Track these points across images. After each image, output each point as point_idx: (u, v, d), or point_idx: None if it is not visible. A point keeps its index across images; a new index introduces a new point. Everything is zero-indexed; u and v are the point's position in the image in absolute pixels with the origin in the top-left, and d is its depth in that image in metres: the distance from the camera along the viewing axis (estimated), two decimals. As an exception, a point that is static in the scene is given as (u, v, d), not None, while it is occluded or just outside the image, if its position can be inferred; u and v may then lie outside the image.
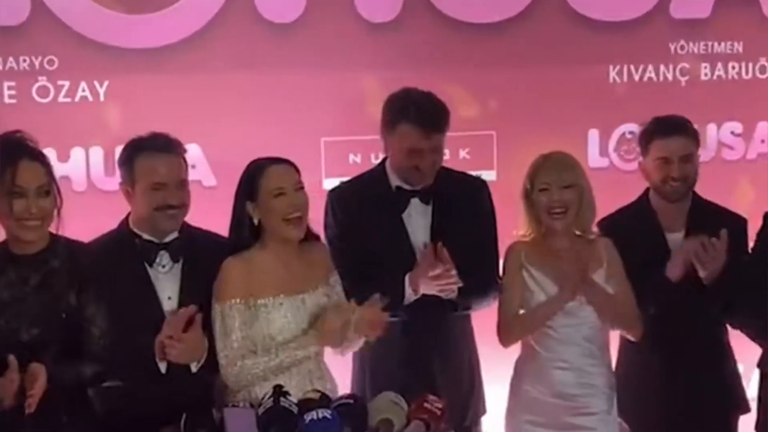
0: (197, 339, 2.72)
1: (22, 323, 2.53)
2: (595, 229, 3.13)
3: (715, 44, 4.21)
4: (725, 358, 3.27)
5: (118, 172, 2.94)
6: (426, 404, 2.45)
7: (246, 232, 2.84)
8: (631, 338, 3.14)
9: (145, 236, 2.85)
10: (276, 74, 3.77)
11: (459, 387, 3.19)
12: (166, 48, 3.68)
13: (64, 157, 3.61)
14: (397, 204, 3.15)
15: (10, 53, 3.54)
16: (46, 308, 2.55)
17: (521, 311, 3.08)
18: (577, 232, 3.09)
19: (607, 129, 4.13)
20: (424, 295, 3.05)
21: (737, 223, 3.28)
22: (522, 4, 4.00)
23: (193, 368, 2.76)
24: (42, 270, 2.57)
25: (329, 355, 2.93)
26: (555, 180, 3.01)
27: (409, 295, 3.03)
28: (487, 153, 4.02)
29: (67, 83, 3.60)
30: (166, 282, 2.84)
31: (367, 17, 3.86)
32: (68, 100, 3.61)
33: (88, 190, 3.62)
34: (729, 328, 3.26)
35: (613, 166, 4.13)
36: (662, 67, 4.17)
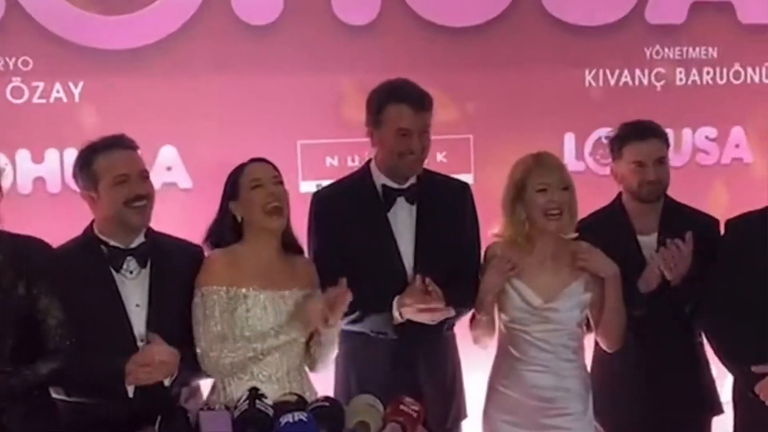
0: (170, 361, 2.70)
1: None
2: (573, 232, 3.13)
3: (690, 50, 4.25)
4: (699, 360, 3.29)
5: (76, 181, 2.92)
6: (402, 406, 2.45)
7: (227, 230, 2.87)
8: (609, 349, 3.14)
9: (112, 242, 2.83)
10: (253, 76, 3.76)
11: (442, 390, 3.18)
12: (141, 49, 3.66)
13: (38, 159, 3.58)
14: (382, 203, 3.13)
15: (-16, 54, 3.51)
16: None
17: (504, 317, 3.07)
18: (561, 235, 3.06)
19: (583, 133, 4.16)
20: None
21: (709, 225, 3.30)
22: (499, 7, 4.02)
23: (166, 383, 2.74)
24: None
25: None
26: (555, 181, 2.99)
27: (396, 318, 3.02)
28: (464, 156, 4.03)
29: (41, 84, 3.57)
30: (134, 289, 2.82)
31: (344, 20, 3.86)
32: (43, 101, 3.58)
33: (62, 192, 3.58)
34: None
35: (588, 170, 4.15)
36: (638, 72, 4.21)
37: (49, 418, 2.68)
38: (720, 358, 3.13)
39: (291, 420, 2.36)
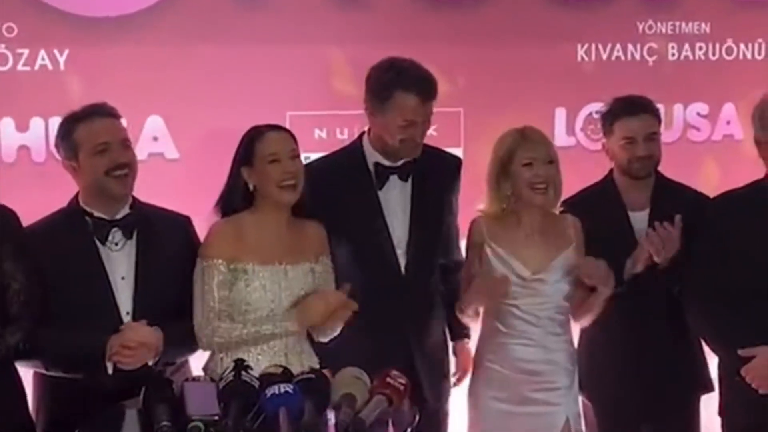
0: (152, 343, 2.68)
1: None
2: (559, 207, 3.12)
3: (683, 24, 4.22)
4: (689, 338, 3.27)
5: (58, 151, 2.89)
6: (389, 379, 2.43)
7: (238, 198, 2.84)
8: (580, 324, 3.14)
9: (96, 213, 2.79)
10: (241, 47, 3.71)
11: (434, 366, 3.18)
12: (128, 17, 3.61)
13: (23, 127, 3.54)
14: (374, 181, 3.10)
15: (-32, 20, 3.46)
16: None
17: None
18: (547, 209, 3.07)
19: (574, 108, 4.14)
20: (412, 279, 3.08)
21: (700, 202, 3.28)
22: (491, -19, 3.99)
23: (150, 362, 2.72)
24: None
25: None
26: (541, 155, 2.99)
27: None
28: (454, 130, 4.00)
29: (26, 51, 3.51)
30: (120, 261, 2.79)
31: (333, -10, 3.82)
32: (27, 68, 3.53)
33: (47, 160, 3.54)
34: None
35: (579, 145, 4.13)
36: (630, 47, 4.18)
37: (13, 393, 2.67)
38: (704, 341, 3.14)
39: (276, 392, 2.34)
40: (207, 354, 2.86)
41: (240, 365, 2.44)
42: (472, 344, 3.27)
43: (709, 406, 3.29)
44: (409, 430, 2.47)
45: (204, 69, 3.68)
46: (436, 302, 3.23)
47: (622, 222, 3.23)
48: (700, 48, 4.24)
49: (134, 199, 2.87)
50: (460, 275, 3.14)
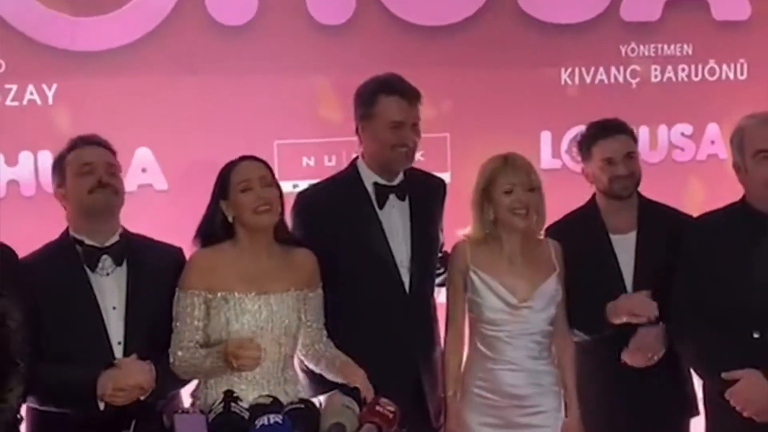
0: (145, 382, 2.68)
1: None
2: (541, 232, 3.15)
3: (665, 47, 4.26)
4: (676, 359, 3.27)
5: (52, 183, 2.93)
6: (378, 407, 2.45)
7: (217, 229, 2.85)
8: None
9: (87, 241, 2.81)
10: (228, 77, 3.75)
11: (436, 383, 3.19)
12: (116, 50, 3.64)
13: (12, 162, 3.56)
14: (373, 201, 3.12)
15: (-44, 56, 3.49)
16: None
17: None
18: (531, 234, 3.10)
19: (559, 131, 4.16)
20: (416, 297, 3.11)
21: (685, 223, 3.29)
22: (474, 6, 4.02)
23: (142, 397, 2.71)
24: None
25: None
26: (522, 181, 3.02)
27: None
28: (441, 155, 4.03)
29: (14, 87, 3.54)
30: (110, 290, 2.80)
31: (319, 19, 3.84)
32: (16, 103, 3.55)
33: (36, 195, 3.56)
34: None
35: (565, 168, 4.16)
36: (613, 69, 4.21)
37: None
38: (688, 364, 3.14)
39: (266, 422, 2.35)
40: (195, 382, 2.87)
41: (229, 396, 2.46)
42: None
43: (698, 430, 3.30)
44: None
45: (191, 100, 3.71)
46: (435, 320, 3.24)
47: (603, 245, 3.24)
48: (683, 69, 4.28)
49: (124, 229, 2.89)
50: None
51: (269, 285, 2.82)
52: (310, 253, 2.94)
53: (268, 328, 2.79)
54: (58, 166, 2.86)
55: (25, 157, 3.57)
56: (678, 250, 3.11)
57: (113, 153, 2.92)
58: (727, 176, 3.24)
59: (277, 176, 3.71)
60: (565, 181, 3.98)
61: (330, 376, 2.87)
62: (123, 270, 2.83)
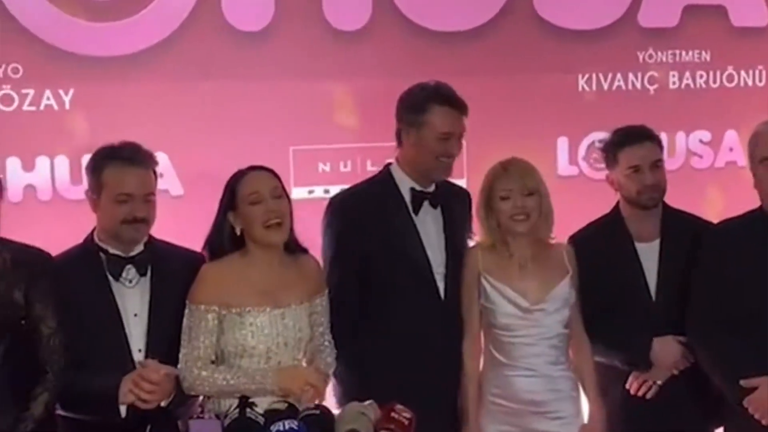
0: (166, 383, 2.66)
1: None
2: (553, 235, 3.11)
3: (683, 53, 4.24)
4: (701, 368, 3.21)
5: (85, 179, 2.89)
6: (393, 414, 2.43)
7: (225, 241, 2.79)
8: None
9: (111, 250, 2.80)
10: (244, 83, 3.75)
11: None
12: (132, 56, 3.65)
13: (29, 166, 3.57)
14: (409, 207, 3.10)
15: (-26, 61, 3.50)
16: None
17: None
18: (540, 238, 3.07)
19: (576, 137, 4.15)
20: (451, 304, 3.09)
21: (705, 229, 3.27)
22: (491, 12, 4.01)
23: (163, 403, 2.70)
24: None
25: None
26: (517, 187, 3.01)
27: None
28: (457, 161, 3.97)
29: (31, 91, 3.56)
30: (133, 298, 2.79)
31: (335, 25, 3.85)
32: (33, 108, 3.56)
33: (53, 200, 3.57)
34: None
35: (582, 175, 4.14)
36: (631, 76, 4.20)
37: None
38: (705, 370, 3.09)
39: (282, 428, 2.35)
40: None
41: (245, 402, 2.45)
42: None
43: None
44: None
45: (207, 106, 3.71)
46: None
47: (628, 253, 3.20)
48: (701, 76, 4.26)
49: (150, 236, 2.87)
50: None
51: (283, 299, 2.76)
52: (313, 258, 2.92)
53: (283, 342, 2.75)
54: (96, 174, 2.79)
55: (42, 162, 3.58)
56: (697, 256, 3.08)
57: (154, 164, 2.86)
58: (745, 183, 3.22)
59: (292, 182, 3.79)
60: (581, 188, 3.97)
61: None
62: (146, 279, 2.81)
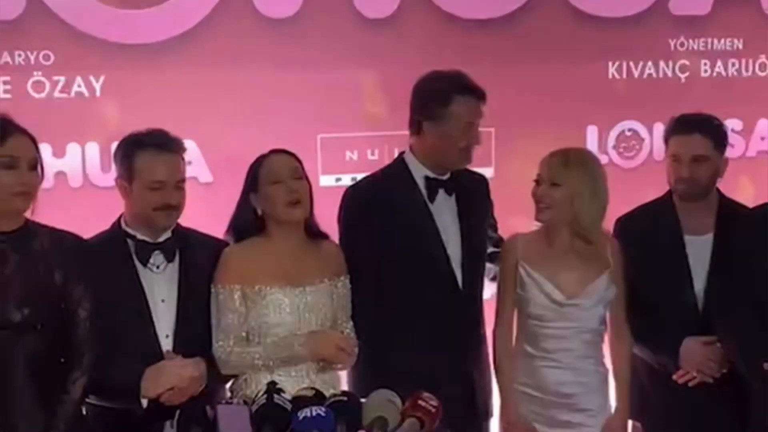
0: (193, 381, 2.70)
1: (11, 303, 2.49)
2: (604, 231, 3.05)
3: (715, 41, 4.21)
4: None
5: (114, 167, 2.91)
6: (420, 401, 2.42)
7: (247, 223, 2.85)
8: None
9: (139, 236, 2.82)
10: (273, 70, 3.76)
11: (487, 378, 3.18)
12: (162, 43, 3.67)
13: (59, 153, 3.59)
14: (424, 195, 3.09)
15: (6, 48, 3.51)
16: (32, 288, 2.52)
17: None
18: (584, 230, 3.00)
19: (606, 126, 4.13)
20: (468, 293, 3.09)
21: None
22: (521, 0, 3.99)
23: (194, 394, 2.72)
24: (21, 250, 2.53)
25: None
26: (546, 176, 2.98)
27: None
28: (485, 149, 3.97)
29: (62, 78, 3.58)
30: (160, 284, 2.81)
31: (364, 13, 3.85)
32: (64, 95, 3.59)
33: (83, 186, 3.60)
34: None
35: (611, 163, 4.11)
36: (662, 64, 4.17)
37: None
38: (730, 357, 3.03)
39: (309, 414, 2.35)
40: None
41: (272, 388, 2.45)
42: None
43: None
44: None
45: (236, 93, 3.72)
46: (483, 317, 3.22)
47: (675, 247, 3.10)
48: (733, 64, 4.22)
49: (176, 223, 2.89)
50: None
51: (303, 278, 2.82)
52: (334, 243, 2.96)
53: (306, 320, 2.81)
54: (127, 161, 2.80)
55: (73, 148, 3.61)
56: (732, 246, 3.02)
57: (182, 151, 2.88)
58: (777, 172, 3.19)
59: (320, 170, 3.80)
60: (611, 177, 3.92)
61: None
62: (173, 265, 2.83)
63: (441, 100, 3.04)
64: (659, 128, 3.76)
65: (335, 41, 3.82)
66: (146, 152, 2.79)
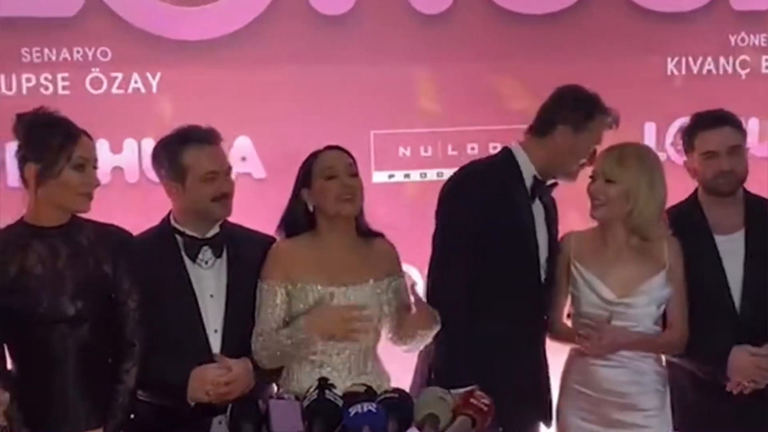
0: (244, 381, 2.72)
1: (65, 297, 2.54)
2: (664, 227, 2.99)
3: (777, 36, 4.12)
4: None
5: (156, 171, 2.94)
6: (472, 399, 2.42)
7: (298, 218, 2.86)
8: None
9: (188, 232, 2.84)
10: (327, 66, 3.76)
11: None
12: (217, 40, 3.70)
13: (116, 149, 3.64)
14: (531, 194, 3.08)
15: (64, 44, 3.57)
16: (84, 282, 2.56)
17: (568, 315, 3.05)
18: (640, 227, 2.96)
19: (663, 122, 4.06)
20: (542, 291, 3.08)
21: None
22: (578, -6, 3.95)
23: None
24: (70, 244, 2.58)
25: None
26: (601, 171, 2.95)
27: None
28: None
29: (120, 75, 3.63)
30: (209, 279, 2.83)
31: (419, 9, 3.83)
32: (121, 91, 3.64)
33: (140, 181, 3.64)
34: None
35: (669, 160, 4.03)
36: (722, 60, 4.09)
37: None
38: None
39: (360, 410, 2.35)
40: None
41: (324, 384, 2.46)
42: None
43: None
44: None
45: (290, 90, 3.74)
46: None
47: (707, 248, 3.07)
48: (795, 60, 4.13)
49: (224, 219, 2.91)
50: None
51: (347, 277, 2.80)
52: (388, 242, 2.94)
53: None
54: (175, 161, 2.83)
55: (130, 144, 3.66)
56: None
57: (221, 140, 2.91)
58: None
59: (373, 166, 3.80)
60: (668, 174, 3.85)
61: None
62: (222, 261, 2.85)
63: (587, 111, 3.08)
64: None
65: (389, 37, 3.81)
66: (191, 147, 2.83)
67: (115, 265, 2.61)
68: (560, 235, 3.18)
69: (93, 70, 3.60)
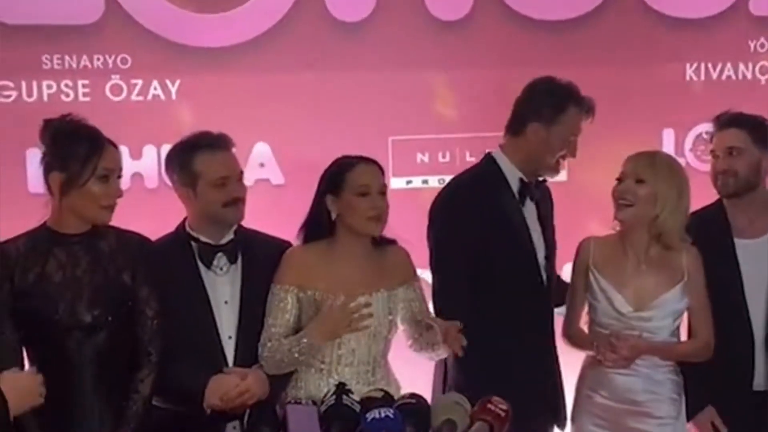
0: (258, 390, 2.72)
1: (82, 305, 2.55)
2: (685, 238, 2.97)
3: (797, 42, 4.09)
4: None
5: (169, 177, 2.95)
6: (490, 405, 2.41)
7: (320, 224, 2.85)
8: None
9: (203, 238, 2.85)
10: (345, 73, 3.77)
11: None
12: (237, 47, 3.71)
13: (136, 155, 3.66)
14: (517, 198, 3.08)
15: (84, 52, 3.60)
16: (102, 289, 2.57)
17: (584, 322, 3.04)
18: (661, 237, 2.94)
19: (683, 128, 4.04)
20: (548, 291, 3.09)
21: None
22: (596, 0, 3.93)
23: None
24: (91, 252, 2.59)
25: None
26: (631, 171, 2.93)
27: None
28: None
29: (140, 82, 3.65)
30: (223, 286, 2.84)
31: (437, 15, 3.83)
32: (141, 98, 3.66)
33: (159, 187, 3.66)
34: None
35: (688, 166, 4.00)
36: (741, 66, 4.07)
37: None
38: None
39: (377, 416, 2.35)
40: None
41: (341, 389, 2.46)
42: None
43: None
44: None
45: (309, 96, 3.75)
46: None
47: (725, 248, 3.06)
48: (815, 67, 4.10)
49: (239, 225, 2.92)
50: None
51: (360, 287, 2.80)
52: (402, 250, 2.94)
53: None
54: (186, 167, 2.85)
55: (149, 150, 3.68)
56: None
57: (232, 145, 2.92)
58: None
59: (391, 172, 3.80)
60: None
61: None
62: (237, 267, 2.86)
63: (557, 104, 3.03)
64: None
65: (407, 44, 3.81)
66: (202, 153, 2.84)
67: (135, 273, 2.62)
68: (555, 227, 3.19)
69: (113, 77, 3.63)
